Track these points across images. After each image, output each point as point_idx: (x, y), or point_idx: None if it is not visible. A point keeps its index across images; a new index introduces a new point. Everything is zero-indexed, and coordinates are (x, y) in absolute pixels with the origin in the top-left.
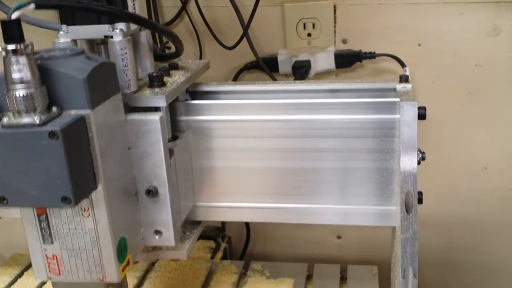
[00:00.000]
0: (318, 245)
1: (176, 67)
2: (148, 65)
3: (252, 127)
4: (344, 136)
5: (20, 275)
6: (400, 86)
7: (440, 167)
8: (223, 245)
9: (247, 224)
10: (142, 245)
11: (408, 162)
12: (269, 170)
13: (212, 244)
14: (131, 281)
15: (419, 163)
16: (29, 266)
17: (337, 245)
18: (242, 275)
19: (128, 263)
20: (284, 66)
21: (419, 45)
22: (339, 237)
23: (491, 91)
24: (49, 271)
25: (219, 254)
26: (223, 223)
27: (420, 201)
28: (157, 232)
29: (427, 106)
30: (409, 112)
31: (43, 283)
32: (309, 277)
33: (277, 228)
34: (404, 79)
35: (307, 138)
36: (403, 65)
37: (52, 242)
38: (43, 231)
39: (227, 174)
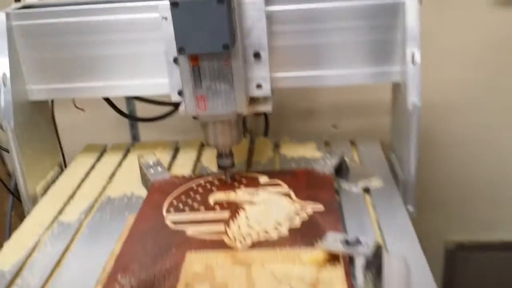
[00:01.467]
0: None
1: None
2: None
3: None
4: (362, 17)
5: (100, 156)
6: None
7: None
8: (248, 136)
9: (266, 118)
10: (249, 97)
11: (412, 25)
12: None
13: None
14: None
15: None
16: (103, 152)
17: (333, 133)
18: (276, 144)
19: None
20: None
21: None
22: (334, 126)
23: None
24: (198, 107)
25: None
26: (244, 118)
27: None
28: (258, 86)
29: None
30: None
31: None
32: (326, 143)
33: (288, 122)
34: None
35: (326, 21)
36: None
37: (201, 87)
38: (195, 78)
39: (281, 51)
